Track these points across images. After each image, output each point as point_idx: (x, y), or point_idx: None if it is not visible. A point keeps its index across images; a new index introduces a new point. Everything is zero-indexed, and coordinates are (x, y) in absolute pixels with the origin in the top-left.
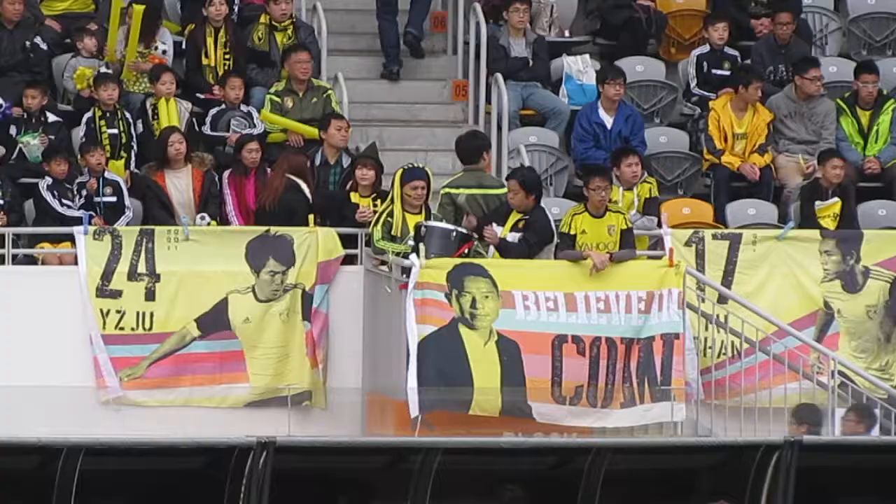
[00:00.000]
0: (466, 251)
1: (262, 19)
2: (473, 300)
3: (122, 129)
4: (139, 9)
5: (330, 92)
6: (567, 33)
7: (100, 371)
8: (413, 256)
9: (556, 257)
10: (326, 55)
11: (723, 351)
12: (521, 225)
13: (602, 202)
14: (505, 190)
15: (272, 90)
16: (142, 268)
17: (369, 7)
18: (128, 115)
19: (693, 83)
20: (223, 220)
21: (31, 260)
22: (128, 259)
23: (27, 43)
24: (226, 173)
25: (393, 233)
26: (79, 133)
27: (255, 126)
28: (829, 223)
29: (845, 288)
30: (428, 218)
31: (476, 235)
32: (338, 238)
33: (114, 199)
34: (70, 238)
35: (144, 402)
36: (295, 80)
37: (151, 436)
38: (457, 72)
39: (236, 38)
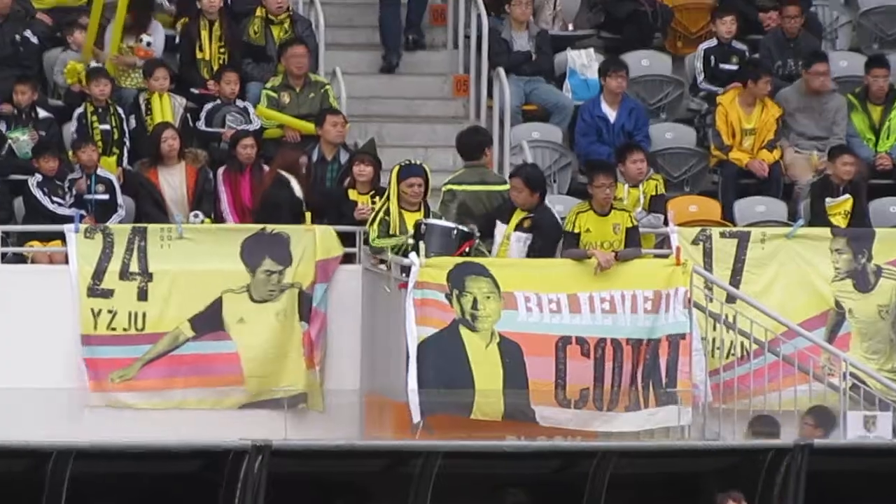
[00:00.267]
0: (467, 250)
1: (258, 12)
2: (475, 301)
3: (114, 124)
4: (123, 1)
5: (328, 87)
6: (571, 27)
7: (90, 373)
8: (413, 255)
9: (560, 256)
10: (324, 49)
11: (731, 352)
12: (526, 224)
13: (607, 200)
14: (508, 186)
15: (268, 85)
16: (134, 267)
17: (368, 0)
18: (120, 110)
19: (700, 78)
20: (218, 218)
21: (20, 259)
22: (120, 258)
23: (17, 37)
24: (220, 170)
25: (391, 231)
26: (70, 129)
27: (250, 122)
28: (840, 221)
29: (857, 287)
30: (427, 216)
31: (478, 234)
32: (336, 236)
33: (106, 196)
34: (61, 236)
35: (136, 404)
36: (292, 75)
37: (144, 439)
38: (458, 66)
39: (231, 31)
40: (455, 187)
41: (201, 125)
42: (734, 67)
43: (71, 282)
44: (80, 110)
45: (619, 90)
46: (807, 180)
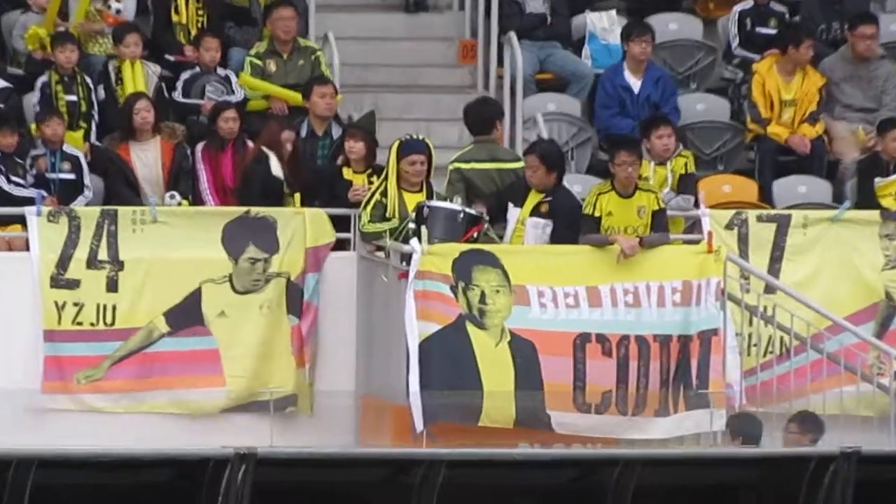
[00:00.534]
0: (475, 235)
1: None
2: (482, 295)
3: (81, 95)
4: None
5: (319, 53)
6: None
7: (53, 372)
8: (414, 241)
9: (578, 242)
10: (315, 11)
11: (769, 349)
12: (543, 209)
13: (630, 179)
14: (521, 164)
15: (252, 52)
16: (103, 254)
17: None
18: (88, 79)
19: (735, 43)
20: (196, 200)
21: None
22: (87, 244)
23: None
24: (199, 146)
25: (387, 215)
26: (32, 100)
27: (232, 92)
28: (891, 203)
29: None
30: (430, 197)
31: (487, 217)
32: (328, 220)
33: (71, 175)
34: (21, 220)
35: (105, 407)
36: (279, 41)
37: (113, 446)
38: (464, 30)
39: None
40: (463, 165)
41: (178, 96)
42: (772, 31)
43: (32, 271)
44: (43, 79)
45: (644, 57)
46: (853, 157)
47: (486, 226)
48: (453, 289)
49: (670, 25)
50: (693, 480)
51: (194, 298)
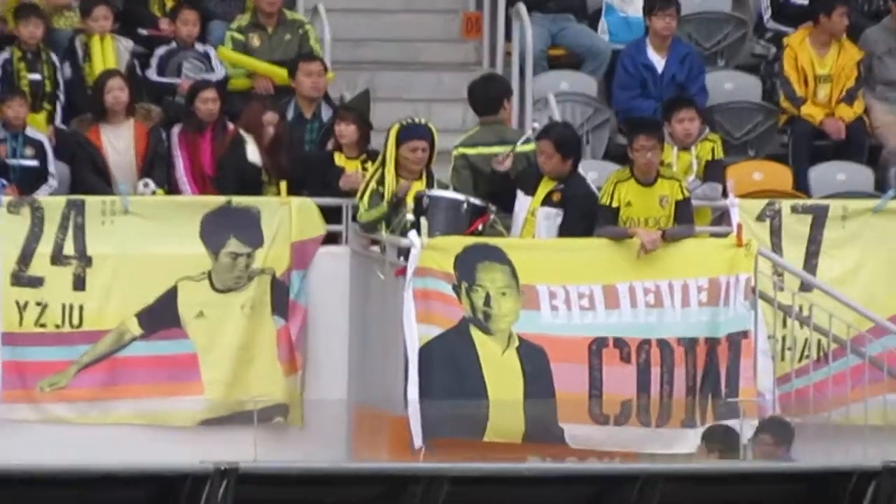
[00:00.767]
0: (480, 228)
1: None
2: (487, 296)
3: (46, 74)
4: None
5: (307, 27)
6: None
7: (13, 380)
8: (413, 234)
9: (594, 235)
10: None
11: (805, 353)
12: (555, 198)
13: (650, 165)
14: (533, 146)
15: (234, 25)
16: (69, 249)
17: None
18: (53, 56)
19: (766, 15)
20: (172, 189)
21: None
22: (51, 238)
23: None
24: (175, 129)
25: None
26: None
27: (212, 70)
28: None
29: None
30: (430, 185)
31: (493, 208)
32: (318, 211)
33: (34, 162)
34: None
35: (72, 418)
36: (263, 13)
37: (80, 461)
38: (468, 1)
39: None
40: (468, 150)
41: (152, 74)
42: (807, 2)
43: None
44: (4, 56)
45: (669, 32)
46: None
47: (492, 217)
48: (455, 288)
49: None
50: (721, 497)
51: (169, 298)
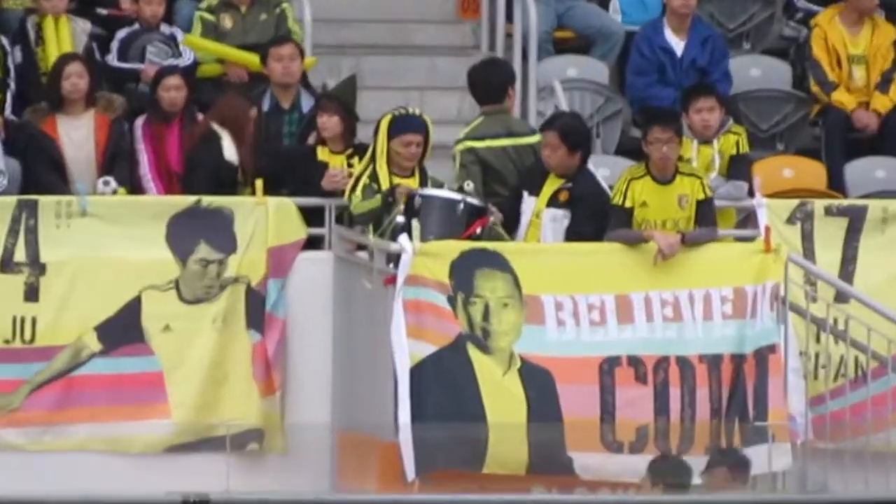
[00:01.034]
0: (478, 231)
1: None
2: (486, 309)
3: None
4: None
5: (285, 6)
6: None
7: None
8: (403, 238)
9: (605, 239)
10: None
11: (841, 372)
12: (562, 197)
13: (666, 161)
14: (539, 138)
15: (203, 5)
16: (20, 255)
17: None
18: (3, 39)
19: None
20: (136, 187)
21: None
22: (0, 242)
23: None
24: (139, 121)
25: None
26: None
27: (179, 54)
28: None
29: None
30: (423, 184)
31: (493, 209)
32: (297, 212)
33: None
34: None
35: (24, 444)
36: None
37: (34, 492)
38: None
39: None
40: (476, 144)
41: (113, 59)
42: None
43: None
44: None
45: (688, 11)
46: None
47: (492, 219)
48: (451, 300)
49: None
50: None
51: (132, 309)
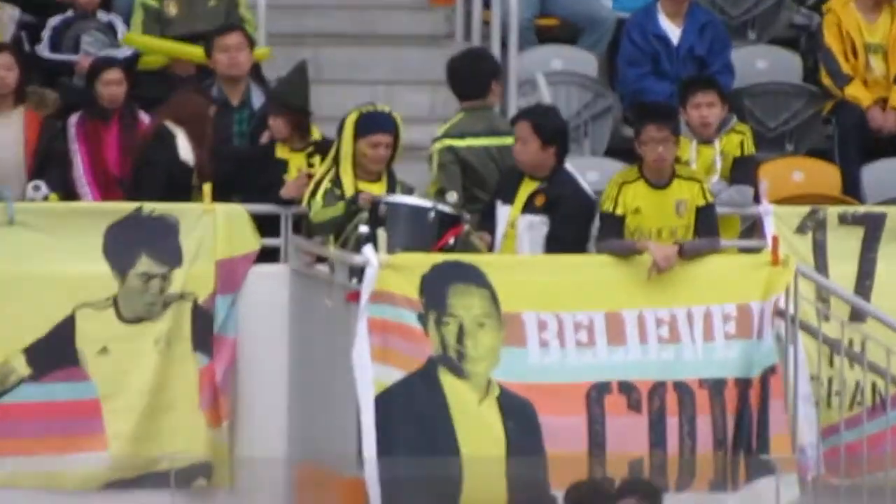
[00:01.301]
0: (451, 241)
1: None
2: (461, 330)
3: None
4: None
5: None
6: None
7: None
8: (368, 249)
9: (594, 251)
10: None
11: (857, 399)
12: (538, 202)
13: (661, 162)
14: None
15: None
16: None
17: None
18: None
19: None
20: (69, 193)
21: None
22: None
23: None
24: (73, 119)
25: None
26: None
27: (118, 45)
28: None
29: None
30: (391, 189)
31: (468, 217)
32: (250, 221)
33: None
34: None
35: None
36: None
37: None
38: None
39: None
40: (457, 142)
41: (44, 50)
42: None
43: None
44: None
45: None
46: None
47: (467, 227)
48: (422, 318)
49: None
50: None
51: (65, 329)
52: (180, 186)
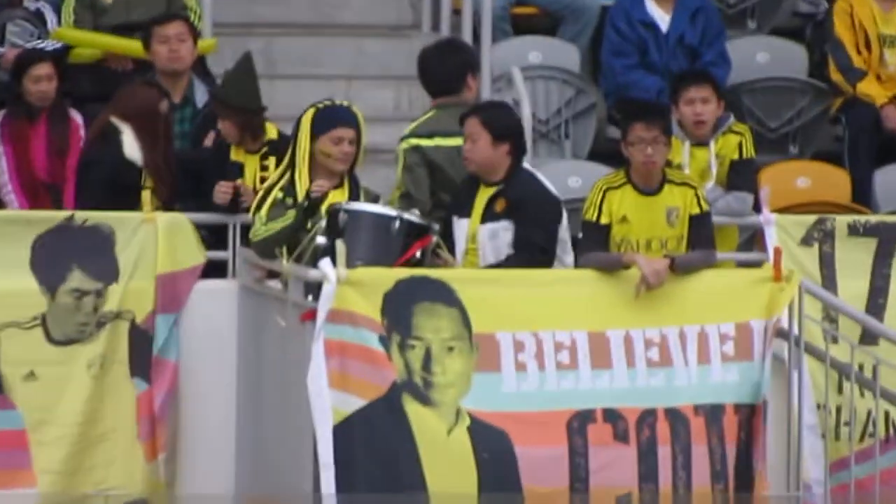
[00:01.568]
0: (417, 255)
1: None
2: (428, 354)
3: None
4: None
5: None
6: None
7: None
8: (325, 263)
9: (576, 265)
10: None
11: (869, 430)
12: (498, 207)
13: (650, 165)
14: None
15: None
16: None
17: None
18: None
19: None
20: None
21: None
22: None
23: None
24: None
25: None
26: None
27: (48, 35)
28: None
29: None
30: (353, 196)
31: (436, 227)
32: (195, 231)
33: None
34: None
35: None
36: None
37: None
38: None
39: None
40: (423, 142)
41: None
42: None
43: None
44: None
45: None
46: None
47: (435, 239)
48: (384, 340)
49: None
50: None
51: None
52: (126, 186)
